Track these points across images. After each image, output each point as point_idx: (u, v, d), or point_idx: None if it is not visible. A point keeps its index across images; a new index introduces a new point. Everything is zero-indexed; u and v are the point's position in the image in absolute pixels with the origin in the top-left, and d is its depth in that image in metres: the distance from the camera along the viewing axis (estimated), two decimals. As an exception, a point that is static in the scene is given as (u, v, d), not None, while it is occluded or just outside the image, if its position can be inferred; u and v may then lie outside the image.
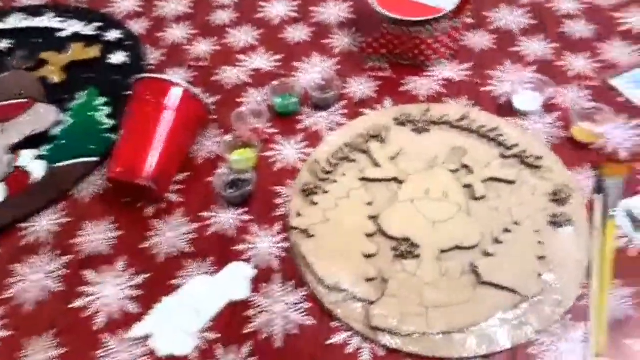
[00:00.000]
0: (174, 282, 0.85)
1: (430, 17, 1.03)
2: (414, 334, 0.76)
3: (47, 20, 1.33)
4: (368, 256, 0.84)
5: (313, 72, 1.14)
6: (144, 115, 0.95)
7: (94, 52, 1.23)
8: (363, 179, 0.93)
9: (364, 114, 1.05)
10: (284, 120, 1.06)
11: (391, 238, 0.86)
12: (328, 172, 0.95)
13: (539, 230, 0.85)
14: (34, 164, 1.02)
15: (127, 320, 0.82)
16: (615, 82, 1.04)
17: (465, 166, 0.94)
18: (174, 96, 0.95)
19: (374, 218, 0.88)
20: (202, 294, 0.83)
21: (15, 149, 1.04)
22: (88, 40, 1.26)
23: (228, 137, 0.99)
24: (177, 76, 1.16)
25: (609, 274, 0.79)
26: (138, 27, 1.30)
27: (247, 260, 0.87)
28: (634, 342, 0.74)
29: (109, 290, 0.86)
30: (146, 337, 0.80)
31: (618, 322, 0.76)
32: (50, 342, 0.80)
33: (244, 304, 0.82)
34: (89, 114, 1.10)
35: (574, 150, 0.96)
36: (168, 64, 1.20)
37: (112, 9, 1.36)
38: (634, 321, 0.76)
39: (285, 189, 0.95)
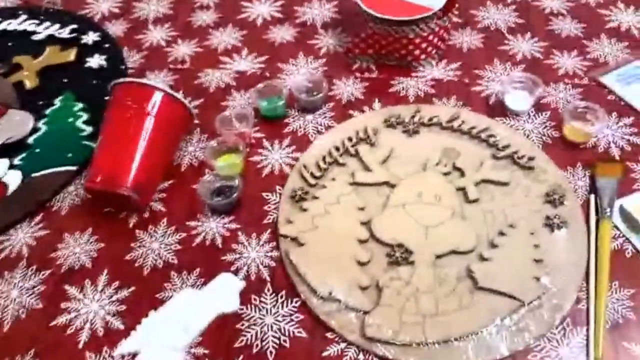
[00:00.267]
0: (160, 295, 0.82)
1: (418, 17, 1.00)
2: (411, 344, 0.74)
3: (20, 23, 1.27)
4: (361, 264, 0.82)
5: (299, 73, 1.11)
6: (124, 121, 0.91)
7: (70, 55, 1.19)
8: (353, 184, 0.91)
9: (353, 116, 1.02)
10: (270, 123, 1.03)
11: (384, 244, 0.83)
12: (317, 177, 0.93)
13: (534, 233, 0.83)
14: (8, 174, 0.97)
15: (111, 337, 0.78)
16: (605, 80, 1.03)
17: (457, 168, 0.92)
18: (157, 101, 0.91)
19: (366, 224, 0.86)
20: (190, 308, 0.80)
21: (-12, 158, 0.99)
22: (64, 44, 1.22)
23: (213, 143, 0.95)
24: (158, 80, 1.12)
25: (607, 276, 0.78)
26: (116, 29, 1.26)
27: (236, 271, 0.84)
28: (634, 345, 0.73)
29: (92, 306, 0.82)
30: (133, 355, 0.76)
31: (616, 325, 0.75)
32: (30, 363, 0.76)
33: (234, 317, 0.79)
34: (66, 120, 1.06)
35: (565, 150, 0.94)
36: (148, 67, 1.16)
37: (88, 11, 1.31)
38: (633, 324, 0.75)
39: (273, 196, 0.92)
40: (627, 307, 0.76)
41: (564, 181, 0.89)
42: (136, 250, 0.87)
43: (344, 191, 0.90)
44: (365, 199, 0.89)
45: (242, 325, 0.78)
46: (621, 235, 0.83)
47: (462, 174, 0.91)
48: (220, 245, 0.87)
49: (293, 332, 0.77)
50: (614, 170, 0.89)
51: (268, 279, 0.83)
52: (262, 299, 0.81)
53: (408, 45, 1.05)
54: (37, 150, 1.02)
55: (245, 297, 0.80)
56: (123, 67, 1.16)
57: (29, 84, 1.14)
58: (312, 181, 0.92)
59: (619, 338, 0.74)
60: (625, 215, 0.84)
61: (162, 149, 0.94)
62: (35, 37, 1.24)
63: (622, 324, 0.75)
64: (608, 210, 0.84)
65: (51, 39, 1.23)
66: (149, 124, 0.90)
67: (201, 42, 1.21)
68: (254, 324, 0.78)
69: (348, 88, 1.07)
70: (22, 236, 0.91)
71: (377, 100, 1.05)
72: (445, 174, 0.91)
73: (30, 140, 1.03)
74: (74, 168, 0.98)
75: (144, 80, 0.96)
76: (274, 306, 0.80)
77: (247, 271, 0.84)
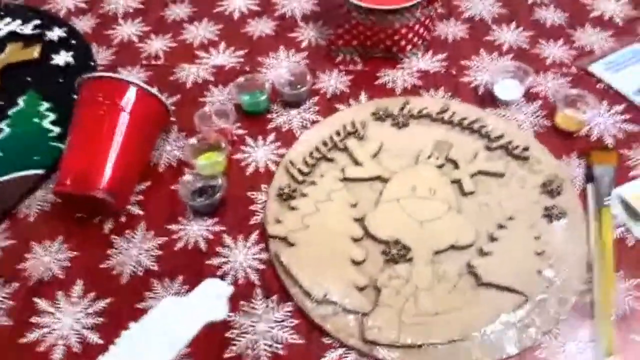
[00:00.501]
0: (140, 305, 0.76)
1: (403, 6, 0.97)
2: (414, 346, 0.70)
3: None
4: (356, 263, 0.77)
5: (280, 67, 1.06)
6: (96, 118, 0.84)
7: (33, 52, 1.11)
8: (344, 179, 0.86)
9: (339, 110, 0.98)
10: (253, 119, 0.97)
11: (380, 241, 0.79)
12: (305, 174, 0.88)
13: (533, 225, 0.80)
14: (-32, 180, 0.90)
15: (89, 353, 0.72)
16: (593, 69, 1.01)
17: (451, 160, 0.88)
18: (131, 96, 0.85)
19: (359, 220, 0.81)
20: (174, 318, 0.73)
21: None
22: (27, 40, 1.14)
23: (192, 140, 0.90)
24: (132, 76, 1.05)
25: (611, 266, 0.75)
26: (83, 24, 1.18)
27: (223, 276, 0.78)
28: (643, 337, 0.71)
29: (66, 320, 0.75)
30: (112, 372, 0.69)
31: (624, 317, 0.72)
32: (-3, 385, 0.69)
33: (223, 326, 0.73)
34: (31, 121, 0.98)
35: (559, 139, 0.92)
36: (119, 63, 1.09)
37: (52, 6, 1.23)
38: (640, 315, 0.72)
39: (259, 194, 0.87)
40: (633, 298, 0.74)
41: (560, 171, 0.86)
42: (113, 257, 0.81)
43: (334, 187, 0.85)
44: (358, 194, 0.84)
45: (232, 333, 0.73)
46: (622, 224, 0.81)
47: (456, 166, 0.88)
48: (204, 249, 0.81)
49: (287, 339, 0.72)
50: (610, 157, 0.87)
51: (257, 282, 0.78)
52: (252, 304, 0.75)
53: (393, 36, 1.02)
54: (1, 154, 0.94)
55: (234, 304, 0.75)
56: (92, 63, 1.09)
57: (-11, 84, 1.05)
58: (300, 178, 0.87)
59: (626, 330, 0.71)
60: (624, 204, 0.82)
61: (138, 147, 0.87)
62: (-5, 34, 1.16)
63: (629, 315, 0.72)
64: (607, 198, 0.81)
65: (13, 36, 1.15)
66: (123, 120, 0.84)
67: (175, 36, 1.14)
68: (245, 332, 0.73)
69: (332, 81, 1.03)
70: (-14, 247, 0.83)
71: (363, 93, 1.01)
72: (439, 166, 0.87)
73: (-7, 143, 0.95)
74: (41, 171, 0.91)
75: (115, 75, 0.90)
76: (265, 312, 0.75)
77: (235, 275, 0.78)
